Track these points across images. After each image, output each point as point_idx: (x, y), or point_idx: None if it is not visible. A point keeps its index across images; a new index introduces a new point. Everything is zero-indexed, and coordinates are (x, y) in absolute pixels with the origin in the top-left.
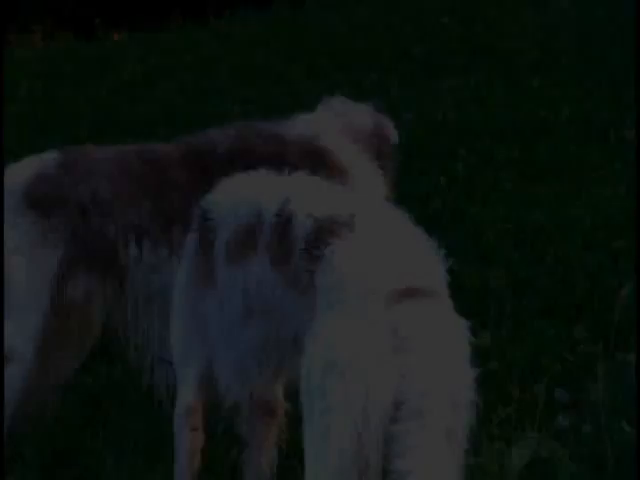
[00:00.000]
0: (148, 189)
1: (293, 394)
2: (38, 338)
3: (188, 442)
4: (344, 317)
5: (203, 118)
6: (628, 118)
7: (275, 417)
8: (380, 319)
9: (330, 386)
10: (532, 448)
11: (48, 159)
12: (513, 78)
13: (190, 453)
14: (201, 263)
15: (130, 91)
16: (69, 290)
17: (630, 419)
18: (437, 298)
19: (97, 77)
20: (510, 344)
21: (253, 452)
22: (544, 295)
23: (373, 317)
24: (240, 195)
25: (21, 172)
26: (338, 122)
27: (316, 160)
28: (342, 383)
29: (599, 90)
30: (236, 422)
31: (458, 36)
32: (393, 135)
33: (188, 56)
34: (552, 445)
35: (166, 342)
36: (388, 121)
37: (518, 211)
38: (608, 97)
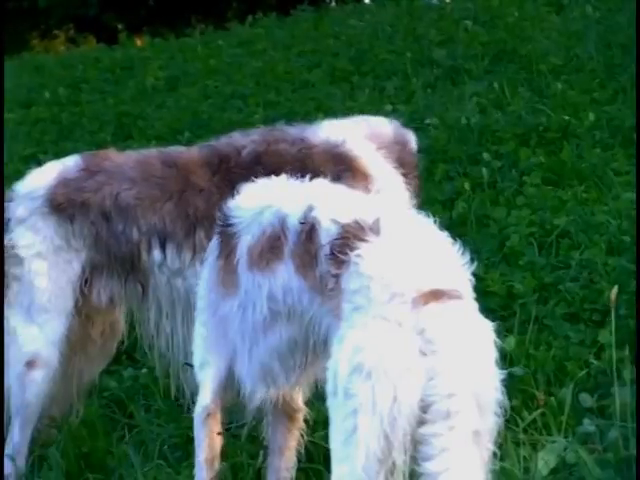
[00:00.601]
0: (171, 193)
1: (314, 399)
2: (62, 342)
3: (207, 445)
4: (371, 319)
5: (226, 123)
6: None
7: (296, 422)
8: (406, 321)
9: (357, 388)
10: (558, 453)
11: (70, 164)
12: (536, 82)
13: (210, 456)
14: (222, 268)
15: (153, 96)
16: (93, 294)
17: None
18: (462, 300)
19: (121, 82)
20: (535, 348)
21: (274, 456)
22: (569, 300)
23: (399, 319)
24: (263, 201)
25: (43, 177)
26: (363, 128)
27: (341, 165)
28: (369, 385)
29: (623, 94)
30: (260, 427)
31: (481, 41)
32: (414, 144)
33: (211, 61)
34: (578, 450)
35: (190, 346)
36: (408, 131)
37: (543, 215)
38: (632, 101)
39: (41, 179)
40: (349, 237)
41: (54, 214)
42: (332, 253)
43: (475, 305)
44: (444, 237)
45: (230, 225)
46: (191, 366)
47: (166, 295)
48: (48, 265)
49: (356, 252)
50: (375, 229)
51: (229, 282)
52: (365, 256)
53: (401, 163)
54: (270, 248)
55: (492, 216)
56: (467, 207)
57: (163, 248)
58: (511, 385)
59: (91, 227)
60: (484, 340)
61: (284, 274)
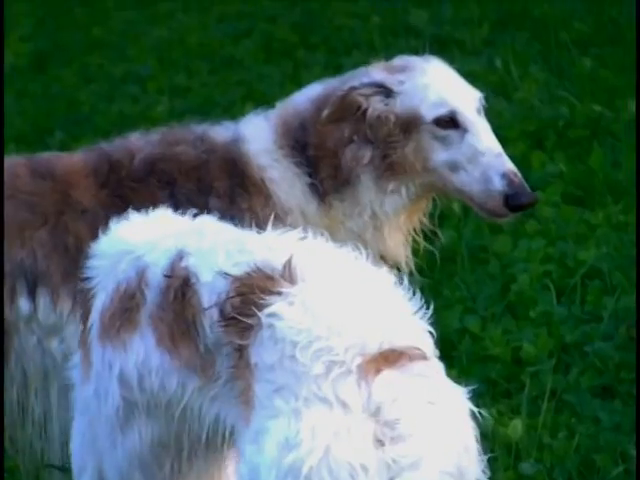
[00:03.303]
0: (45, 216)
1: None
2: None
3: None
4: (302, 403)
5: (116, 118)
6: None
7: None
8: (353, 400)
9: None
10: None
11: None
12: (555, 58)
13: None
14: (82, 338)
15: (12, 80)
16: None
17: None
18: (425, 362)
19: None
20: (552, 436)
21: None
22: (599, 367)
23: (343, 398)
24: (123, 245)
25: None
26: (289, 117)
27: (234, 173)
28: None
29: None
30: None
31: None
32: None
33: (94, 29)
34: None
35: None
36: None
37: (563, 247)
38: None
39: None
40: (252, 292)
41: None
42: (230, 317)
43: (441, 367)
44: (384, 276)
45: (87, 279)
46: (59, 469)
47: (36, 363)
48: None
49: (267, 310)
50: (288, 275)
51: (86, 359)
52: (282, 314)
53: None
54: (123, 311)
55: (492, 248)
56: (457, 235)
57: (33, 295)
58: None
59: None
60: (460, 416)
61: (139, 348)
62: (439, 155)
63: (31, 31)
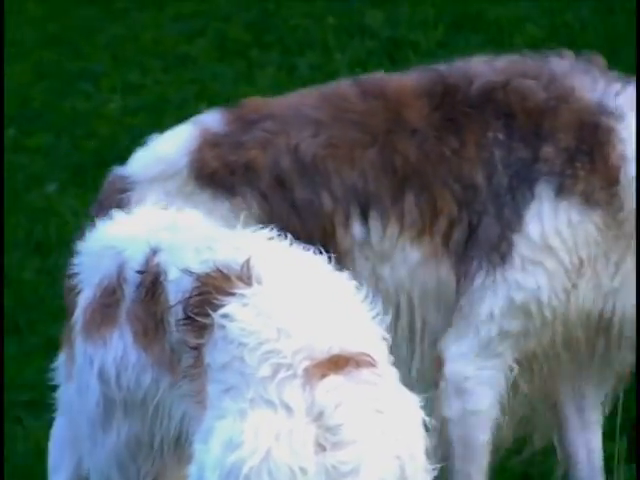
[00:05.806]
0: (374, 135)
1: None
2: None
3: None
4: (248, 404)
5: (68, 114)
6: None
7: None
8: (297, 403)
9: None
10: None
11: (207, 119)
12: None
13: None
14: (68, 336)
15: None
16: None
17: None
18: (375, 369)
19: None
20: None
21: None
22: None
23: (287, 401)
24: (106, 239)
25: (176, 141)
26: None
27: (588, 139)
28: None
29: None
30: None
31: (434, 0)
32: None
33: (49, 25)
34: None
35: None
36: None
37: None
38: None
39: (173, 144)
40: (209, 291)
41: (205, 188)
42: (188, 316)
43: (395, 374)
44: (343, 280)
45: (72, 276)
46: None
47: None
48: None
49: (221, 311)
50: (245, 276)
51: (70, 357)
52: (234, 315)
53: None
54: (104, 306)
55: None
56: None
57: (365, 219)
58: None
59: (262, 201)
60: (408, 424)
61: (118, 344)
62: None
63: None
